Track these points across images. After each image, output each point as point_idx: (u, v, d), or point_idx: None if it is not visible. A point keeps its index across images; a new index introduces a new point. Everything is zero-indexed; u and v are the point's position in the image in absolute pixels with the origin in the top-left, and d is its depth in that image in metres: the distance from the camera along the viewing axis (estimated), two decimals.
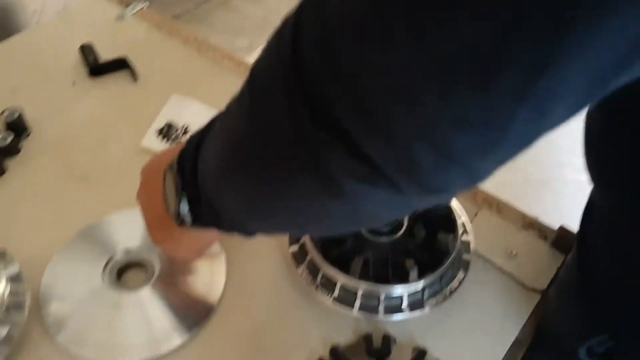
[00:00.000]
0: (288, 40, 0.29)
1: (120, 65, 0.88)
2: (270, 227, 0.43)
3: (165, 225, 0.49)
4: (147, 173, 0.54)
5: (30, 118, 0.81)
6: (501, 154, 0.29)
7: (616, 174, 0.47)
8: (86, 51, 0.90)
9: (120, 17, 0.98)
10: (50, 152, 0.78)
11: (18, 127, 0.78)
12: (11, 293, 0.59)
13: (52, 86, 0.87)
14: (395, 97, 0.26)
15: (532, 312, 0.64)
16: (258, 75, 0.33)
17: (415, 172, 0.28)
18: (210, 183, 0.41)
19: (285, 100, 0.29)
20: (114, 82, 0.88)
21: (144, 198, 0.53)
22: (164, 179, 0.47)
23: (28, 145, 0.79)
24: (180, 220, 0.45)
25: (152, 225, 0.53)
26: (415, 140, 0.27)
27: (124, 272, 0.67)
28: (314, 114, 0.28)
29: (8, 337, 0.57)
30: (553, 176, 2.09)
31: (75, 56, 0.91)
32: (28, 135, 0.80)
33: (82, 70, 0.90)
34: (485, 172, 0.30)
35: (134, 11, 0.99)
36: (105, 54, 0.91)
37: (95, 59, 0.89)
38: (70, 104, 0.85)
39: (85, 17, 1.00)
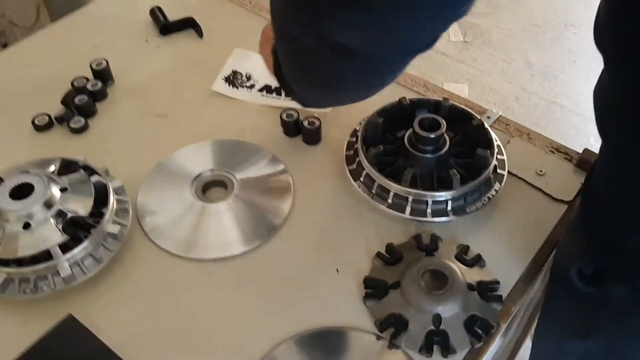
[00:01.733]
0: None
1: (187, 24, 1.00)
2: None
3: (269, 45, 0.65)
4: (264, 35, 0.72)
5: (111, 70, 0.92)
6: None
7: (609, 128, 0.57)
8: (156, 13, 1.01)
9: None
10: (132, 96, 0.90)
11: (104, 75, 0.90)
12: (117, 201, 0.71)
13: (128, 43, 0.99)
14: None
15: (560, 219, 0.74)
16: None
17: None
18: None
19: None
20: (182, 40, 1.00)
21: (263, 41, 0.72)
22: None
23: (113, 92, 0.91)
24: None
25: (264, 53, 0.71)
26: None
27: (208, 188, 0.78)
28: None
29: (119, 234, 0.68)
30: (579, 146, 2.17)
31: (146, 18, 1.03)
32: (112, 83, 0.92)
33: (153, 30, 1.01)
34: None
35: None
36: (172, 17, 1.02)
37: (165, 18, 1.00)
38: (145, 58, 0.96)
39: None
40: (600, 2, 0.50)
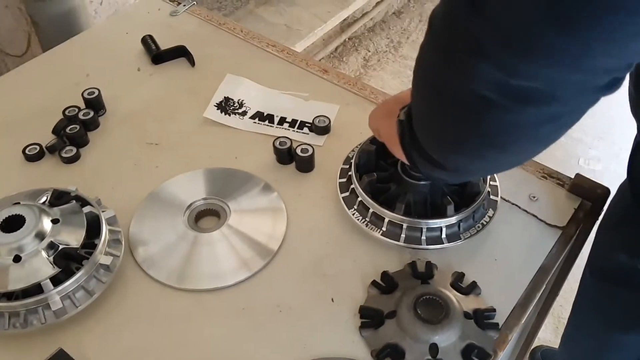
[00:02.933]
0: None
1: (179, 52, 1.00)
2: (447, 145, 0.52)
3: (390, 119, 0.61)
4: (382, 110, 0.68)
5: (103, 98, 0.92)
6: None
7: None
8: (148, 42, 1.01)
9: (174, 13, 1.10)
10: (124, 125, 0.90)
11: (96, 104, 0.90)
12: (110, 231, 0.70)
13: (120, 72, 0.99)
14: None
15: (555, 245, 0.74)
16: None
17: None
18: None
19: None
20: (174, 68, 1.00)
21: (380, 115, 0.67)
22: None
23: (105, 121, 0.91)
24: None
25: (379, 118, 0.68)
26: None
27: (200, 217, 0.77)
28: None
29: (111, 266, 0.68)
30: (568, 167, 2.19)
31: (138, 47, 1.03)
32: (104, 112, 0.91)
33: (145, 59, 1.01)
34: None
35: (186, 8, 1.11)
36: (163, 45, 1.02)
37: (157, 47, 1.00)
38: (137, 86, 0.96)
39: (142, 15, 1.12)
40: None
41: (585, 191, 0.79)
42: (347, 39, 2.59)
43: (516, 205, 0.78)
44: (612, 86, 0.41)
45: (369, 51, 2.62)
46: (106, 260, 0.67)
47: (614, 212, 0.73)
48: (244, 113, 0.91)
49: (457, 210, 0.71)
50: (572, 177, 0.80)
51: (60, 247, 0.65)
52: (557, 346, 1.06)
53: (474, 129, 0.46)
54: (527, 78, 0.39)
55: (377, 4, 2.58)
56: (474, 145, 0.49)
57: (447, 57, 0.43)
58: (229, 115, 0.90)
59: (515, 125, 0.44)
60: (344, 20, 2.41)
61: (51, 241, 0.65)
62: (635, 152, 0.67)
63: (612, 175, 2.04)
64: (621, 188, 0.72)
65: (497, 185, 0.77)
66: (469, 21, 0.39)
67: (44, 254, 0.64)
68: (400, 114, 0.59)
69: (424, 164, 0.56)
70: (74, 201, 0.71)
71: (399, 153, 0.60)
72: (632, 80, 0.59)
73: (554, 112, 0.42)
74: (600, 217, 0.78)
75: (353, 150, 0.80)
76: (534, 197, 0.79)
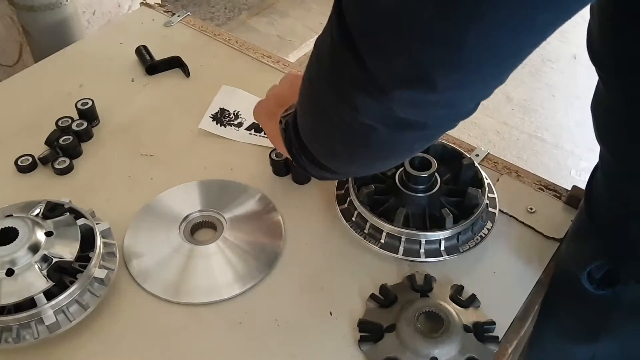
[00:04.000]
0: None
1: (174, 63, 0.99)
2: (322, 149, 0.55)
3: (273, 122, 0.65)
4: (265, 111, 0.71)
5: (97, 109, 0.91)
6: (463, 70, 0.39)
7: (612, 138, 0.60)
8: (142, 52, 1.01)
9: (169, 23, 1.10)
10: (118, 136, 0.89)
11: (89, 115, 0.89)
12: (104, 244, 0.69)
13: (114, 83, 0.98)
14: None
15: (552, 257, 0.74)
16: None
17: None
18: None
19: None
20: (169, 79, 0.99)
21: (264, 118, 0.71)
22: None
23: (98, 132, 0.90)
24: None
25: (263, 119, 0.72)
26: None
27: (196, 229, 0.76)
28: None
29: (106, 279, 0.66)
30: (560, 179, 2.20)
31: (132, 57, 1.02)
32: (98, 123, 0.90)
33: (139, 69, 1.01)
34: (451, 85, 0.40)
35: (181, 18, 1.10)
36: (158, 56, 1.02)
37: (152, 57, 1.00)
38: (131, 97, 0.96)
39: (136, 25, 1.12)
40: (591, 22, 0.52)
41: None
42: None
43: (514, 217, 0.78)
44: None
45: None
46: (100, 273, 0.66)
47: (573, 227, 0.75)
48: (240, 124, 0.90)
49: (455, 223, 0.71)
50: (568, 189, 0.81)
51: (54, 260, 0.64)
52: None
53: (363, 148, 0.50)
54: (408, 115, 0.43)
55: None
56: (364, 159, 0.54)
57: (335, 92, 0.46)
58: (225, 126, 0.90)
59: (395, 144, 0.49)
60: None
61: (45, 254, 0.64)
62: (593, 176, 0.69)
63: None
64: (581, 205, 0.74)
65: (495, 198, 0.76)
66: (356, 67, 0.41)
67: (37, 267, 0.63)
68: (283, 122, 0.62)
69: (315, 169, 0.59)
70: (68, 213, 0.70)
71: (283, 151, 0.64)
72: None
73: (427, 134, 0.47)
74: None
75: None
76: (531, 209, 0.79)
